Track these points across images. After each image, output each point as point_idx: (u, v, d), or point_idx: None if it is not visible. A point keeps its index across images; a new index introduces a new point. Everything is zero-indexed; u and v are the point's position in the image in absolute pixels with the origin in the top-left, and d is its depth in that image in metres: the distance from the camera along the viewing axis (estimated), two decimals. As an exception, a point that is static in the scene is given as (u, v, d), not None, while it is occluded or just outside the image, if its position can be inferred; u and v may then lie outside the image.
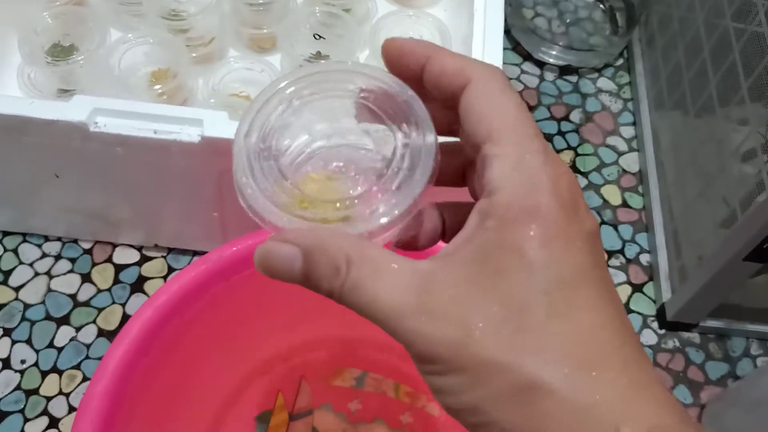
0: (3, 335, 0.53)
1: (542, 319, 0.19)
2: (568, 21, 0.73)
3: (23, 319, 0.54)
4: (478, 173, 0.21)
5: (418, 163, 0.23)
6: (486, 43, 0.50)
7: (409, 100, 0.24)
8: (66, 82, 0.56)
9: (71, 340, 0.53)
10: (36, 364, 0.52)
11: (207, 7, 0.57)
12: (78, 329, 0.54)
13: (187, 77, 0.57)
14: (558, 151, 0.66)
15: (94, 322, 0.54)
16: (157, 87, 0.54)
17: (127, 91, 0.54)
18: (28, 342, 0.53)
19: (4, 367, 0.52)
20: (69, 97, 0.56)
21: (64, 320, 0.54)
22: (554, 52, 0.71)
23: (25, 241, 0.57)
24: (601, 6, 0.74)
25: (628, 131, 0.68)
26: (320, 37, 0.58)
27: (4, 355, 0.52)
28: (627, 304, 0.58)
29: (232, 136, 0.44)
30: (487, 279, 0.19)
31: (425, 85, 0.23)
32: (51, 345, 0.53)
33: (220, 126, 0.44)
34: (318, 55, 0.57)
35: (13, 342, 0.53)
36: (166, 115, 0.44)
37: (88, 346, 0.53)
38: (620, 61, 0.72)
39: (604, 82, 0.71)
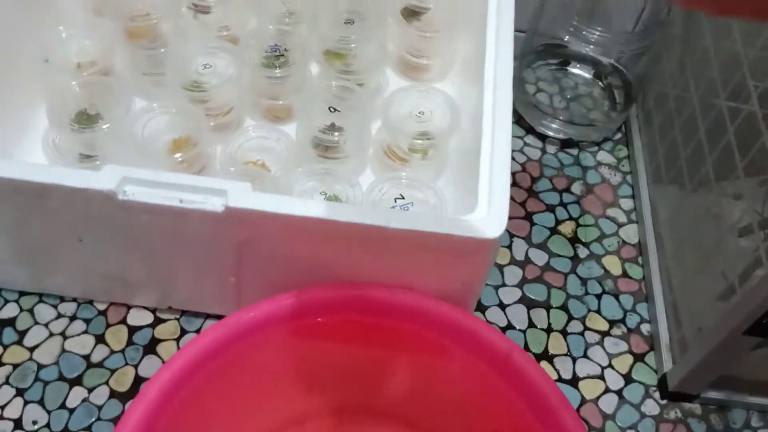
0: (16, 395, 0.54)
1: None
2: (568, 97, 0.76)
3: (36, 379, 0.54)
4: None
5: None
6: (496, 119, 0.52)
7: None
8: (89, 148, 0.58)
9: (83, 401, 0.54)
10: (48, 425, 0.52)
11: (228, 80, 0.60)
12: (90, 390, 0.54)
13: (206, 145, 0.59)
14: (560, 222, 0.68)
15: (106, 383, 0.55)
16: (178, 155, 0.57)
17: (148, 158, 0.56)
18: (41, 402, 0.54)
19: (15, 428, 0.52)
20: (91, 162, 0.58)
21: (76, 381, 0.55)
22: (555, 126, 0.74)
23: (41, 301, 0.58)
24: (600, 83, 0.77)
25: (627, 203, 0.70)
26: (335, 109, 0.61)
27: (15, 416, 0.53)
28: (629, 373, 0.59)
29: (255, 207, 0.46)
30: None
31: None
32: (63, 406, 0.53)
33: (244, 197, 0.46)
34: (332, 127, 0.60)
35: (26, 402, 0.53)
36: (192, 185, 0.46)
37: (99, 408, 0.54)
38: (618, 136, 0.75)
39: (603, 156, 0.74)
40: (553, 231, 0.67)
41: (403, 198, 0.57)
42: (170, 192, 0.46)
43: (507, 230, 0.47)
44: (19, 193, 0.47)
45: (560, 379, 0.58)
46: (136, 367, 0.56)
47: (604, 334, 0.61)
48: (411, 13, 0.67)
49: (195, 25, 0.66)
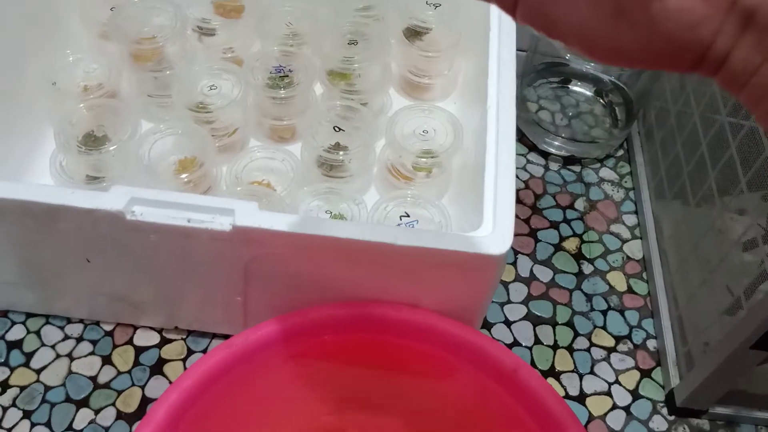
0: (23, 418, 0.54)
1: None
2: (570, 114, 0.77)
3: (43, 401, 0.54)
4: None
5: None
6: (499, 136, 0.53)
7: None
8: (96, 169, 0.59)
9: (90, 422, 0.54)
10: (55, 448, 0.52)
11: (233, 101, 0.61)
12: (97, 412, 0.54)
13: (212, 166, 0.59)
14: (564, 238, 0.68)
15: (113, 404, 0.55)
16: (184, 176, 0.57)
17: (154, 178, 0.57)
18: (48, 425, 0.53)
19: (23, 450, 0.52)
20: (98, 183, 0.59)
21: (83, 403, 0.55)
22: (557, 143, 0.74)
23: (48, 323, 0.58)
24: (601, 101, 0.78)
25: (630, 219, 0.70)
26: (339, 129, 0.62)
27: (23, 438, 0.53)
28: (636, 389, 0.59)
29: (263, 226, 0.47)
30: None
31: None
32: (70, 428, 0.53)
33: (251, 216, 0.46)
34: (337, 146, 0.60)
35: (33, 425, 0.53)
36: (200, 204, 0.46)
37: (106, 429, 0.53)
38: (621, 152, 0.76)
39: (606, 172, 0.74)
40: (558, 247, 0.68)
41: (408, 216, 0.58)
42: (178, 212, 0.46)
43: (512, 247, 0.47)
44: (28, 215, 0.48)
45: (567, 396, 0.58)
46: (142, 388, 0.56)
47: (611, 350, 0.61)
48: (413, 34, 0.68)
49: (200, 47, 0.67)
